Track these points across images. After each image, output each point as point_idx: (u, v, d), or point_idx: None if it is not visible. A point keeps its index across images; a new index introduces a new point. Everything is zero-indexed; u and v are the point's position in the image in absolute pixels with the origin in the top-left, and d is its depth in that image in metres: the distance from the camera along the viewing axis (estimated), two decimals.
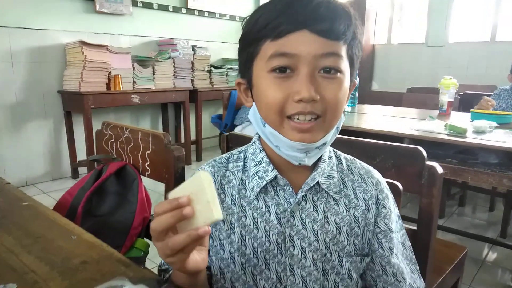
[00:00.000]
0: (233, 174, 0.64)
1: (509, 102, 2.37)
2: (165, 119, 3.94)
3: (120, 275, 0.53)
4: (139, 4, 3.55)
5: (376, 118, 2.17)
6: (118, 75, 3.12)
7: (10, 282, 0.52)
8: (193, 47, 3.83)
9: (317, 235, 0.60)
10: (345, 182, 0.64)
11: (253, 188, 0.61)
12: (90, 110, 2.95)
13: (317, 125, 0.55)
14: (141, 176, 1.04)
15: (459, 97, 2.68)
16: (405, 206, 2.68)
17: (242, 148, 0.67)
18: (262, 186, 0.60)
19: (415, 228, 0.91)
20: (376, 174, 0.66)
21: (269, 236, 0.60)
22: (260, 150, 0.63)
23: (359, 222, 0.62)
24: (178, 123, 4.04)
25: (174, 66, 3.59)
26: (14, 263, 0.57)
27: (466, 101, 2.75)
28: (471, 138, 1.51)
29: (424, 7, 4.60)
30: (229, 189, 0.63)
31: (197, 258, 0.49)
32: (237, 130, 2.48)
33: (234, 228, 0.61)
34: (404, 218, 0.70)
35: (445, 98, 2.17)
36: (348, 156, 0.68)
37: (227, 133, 1.18)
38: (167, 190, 0.96)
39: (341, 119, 0.59)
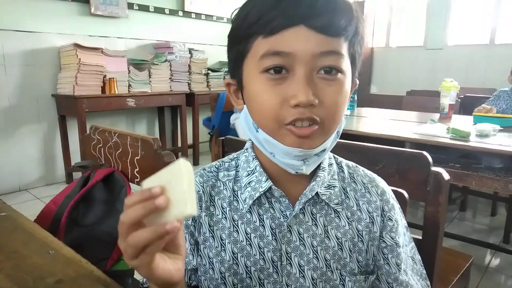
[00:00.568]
0: (224, 184, 0.58)
1: (509, 103, 2.34)
2: (162, 123, 3.89)
3: None
4: (135, 7, 3.50)
5: (376, 121, 2.12)
6: (113, 78, 3.07)
7: None
8: (190, 50, 3.79)
9: (317, 252, 0.54)
10: (347, 192, 0.58)
11: (245, 200, 0.55)
12: (85, 114, 2.89)
13: (316, 132, 0.49)
14: (130, 184, 0.99)
15: (459, 100, 2.64)
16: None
17: (234, 155, 0.61)
18: (255, 198, 0.54)
19: (420, 237, 0.86)
20: (381, 183, 0.61)
21: (264, 254, 0.54)
22: (253, 158, 0.57)
23: (362, 236, 0.56)
24: (175, 127, 3.98)
25: (170, 69, 3.54)
26: None
27: (467, 104, 2.72)
28: (474, 142, 1.46)
29: (423, 10, 4.57)
30: (219, 201, 0.57)
31: (170, 267, 0.41)
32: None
33: (225, 245, 0.55)
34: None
35: (446, 101, 2.13)
36: (350, 163, 0.62)
37: (223, 138, 1.13)
38: None
39: (341, 123, 0.53)
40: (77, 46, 2.88)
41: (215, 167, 0.60)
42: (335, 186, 0.57)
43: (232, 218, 0.56)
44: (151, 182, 0.39)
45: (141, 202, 0.37)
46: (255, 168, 0.56)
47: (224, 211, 0.56)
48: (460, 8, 4.36)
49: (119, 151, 1.00)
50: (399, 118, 2.19)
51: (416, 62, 4.61)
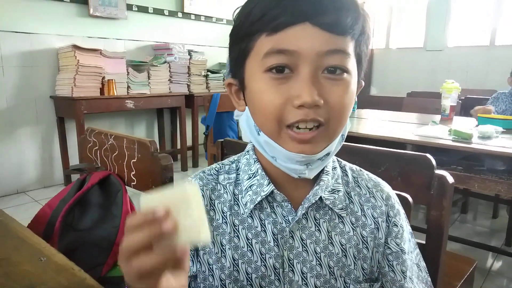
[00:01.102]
0: (224, 188, 0.56)
1: (508, 105, 2.33)
2: (161, 125, 3.87)
3: None
4: (134, 8, 3.49)
5: (376, 123, 2.10)
6: (112, 80, 3.06)
7: None
8: (189, 52, 3.77)
9: (320, 259, 0.52)
10: (351, 197, 0.56)
11: (246, 204, 0.53)
12: (83, 116, 2.87)
13: (319, 134, 0.47)
14: (126, 187, 0.97)
15: (460, 101, 2.63)
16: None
17: (235, 157, 0.59)
18: (256, 202, 0.52)
19: (423, 242, 0.83)
20: (386, 187, 0.59)
21: (265, 260, 0.52)
22: (255, 161, 0.55)
23: (367, 242, 0.54)
24: (174, 129, 3.96)
25: (169, 71, 3.53)
26: None
27: (467, 106, 2.70)
28: (477, 144, 1.44)
29: (423, 11, 4.56)
30: (219, 205, 0.55)
31: (174, 284, 0.39)
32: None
33: (225, 251, 0.53)
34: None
35: (448, 102, 2.11)
36: (354, 167, 0.60)
37: (222, 140, 1.11)
38: None
39: (346, 126, 0.51)
40: (76, 47, 2.86)
41: (215, 169, 0.58)
42: (339, 190, 0.55)
43: (233, 223, 0.54)
44: (152, 201, 0.37)
45: (145, 225, 0.35)
46: (257, 171, 0.54)
47: (224, 215, 0.54)
48: (460, 9, 4.35)
49: (115, 154, 0.98)
50: (400, 120, 2.17)
51: (416, 63, 4.59)
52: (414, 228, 0.61)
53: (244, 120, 0.55)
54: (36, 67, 2.96)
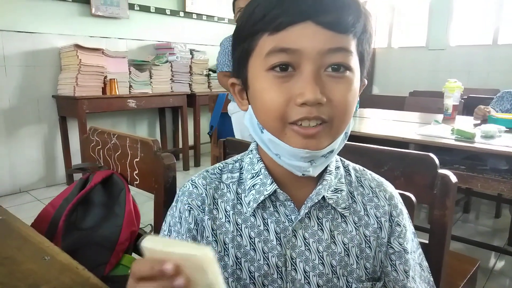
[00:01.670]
0: (227, 187, 0.56)
1: None
2: (163, 124, 3.87)
3: None
4: (136, 8, 3.49)
5: (378, 122, 2.10)
6: (114, 79, 3.06)
7: None
8: (191, 51, 3.77)
9: (322, 258, 0.52)
10: (354, 197, 0.56)
11: (249, 203, 0.53)
12: (85, 115, 2.88)
13: (323, 131, 0.47)
14: (129, 186, 0.97)
15: (463, 100, 2.62)
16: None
17: (238, 156, 0.60)
18: (259, 201, 0.52)
19: (426, 241, 0.83)
20: (390, 187, 0.59)
21: (268, 259, 0.52)
22: (258, 160, 0.55)
23: (370, 242, 0.54)
24: (176, 128, 3.97)
25: (171, 70, 3.53)
26: None
27: (470, 105, 2.69)
28: (479, 143, 1.44)
29: (425, 10, 4.54)
30: (222, 203, 0.55)
31: None
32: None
33: (228, 250, 0.53)
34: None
35: (450, 101, 2.11)
36: (357, 166, 0.60)
37: (224, 139, 1.11)
38: (157, 202, 0.88)
39: (349, 124, 0.51)
40: (78, 47, 2.86)
41: (218, 168, 0.58)
42: (342, 190, 0.55)
43: (236, 222, 0.54)
44: (158, 250, 0.34)
45: (153, 277, 0.34)
46: (260, 171, 0.54)
47: (227, 214, 0.54)
48: (463, 8, 4.33)
49: (118, 153, 0.98)
50: (402, 119, 2.17)
51: (418, 62, 4.58)
52: (417, 228, 0.61)
53: (247, 119, 0.55)
54: (38, 67, 2.97)
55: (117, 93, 3.09)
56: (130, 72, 3.23)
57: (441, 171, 0.81)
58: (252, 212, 0.53)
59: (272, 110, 0.47)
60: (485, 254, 2.07)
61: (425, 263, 0.60)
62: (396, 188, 0.64)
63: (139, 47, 3.59)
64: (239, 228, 0.53)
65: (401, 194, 0.68)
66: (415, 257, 0.58)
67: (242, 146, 1.02)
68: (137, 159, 0.93)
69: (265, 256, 0.52)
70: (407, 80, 4.55)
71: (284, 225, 0.53)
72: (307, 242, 0.52)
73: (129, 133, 0.99)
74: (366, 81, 0.54)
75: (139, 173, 0.93)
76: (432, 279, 0.60)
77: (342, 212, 0.54)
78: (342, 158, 0.60)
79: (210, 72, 3.90)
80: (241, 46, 0.50)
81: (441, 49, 4.40)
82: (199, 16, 4.03)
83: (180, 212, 0.55)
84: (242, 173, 0.56)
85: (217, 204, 0.55)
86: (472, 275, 1.11)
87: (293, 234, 0.52)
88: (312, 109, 0.45)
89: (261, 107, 0.49)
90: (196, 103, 3.69)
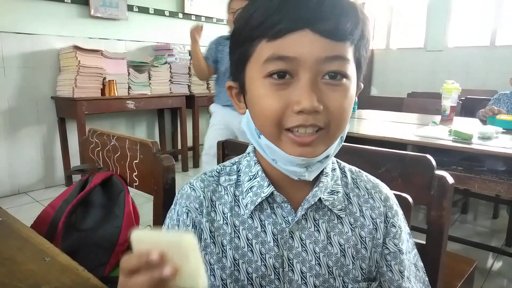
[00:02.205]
0: (225, 189, 0.56)
1: (509, 106, 2.33)
2: (162, 125, 3.87)
3: None
4: (135, 9, 3.50)
5: (377, 123, 2.11)
6: (113, 80, 3.06)
7: None
8: (190, 52, 3.77)
9: (319, 258, 0.53)
10: (350, 198, 0.57)
11: (246, 205, 0.54)
12: (84, 116, 2.88)
13: (319, 138, 0.48)
14: (129, 188, 0.97)
15: (460, 102, 2.63)
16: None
17: (236, 159, 0.60)
18: (256, 203, 0.53)
19: (424, 242, 0.84)
20: (385, 189, 0.60)
21: (265, 260, 0.53)
22: (255, 163, 0.56)
23: (366, 243, 0.55)
24: (175, 129, 3.97)
25: (170, 71, 3.53)
26: None
27: (468, 106, 2.70)
28: (477, 144, 1.45)
29: (423, 11, 4.56)
30: (220, 206, 0.56)
31: None
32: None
33: (226, 251, 0.54)
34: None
35: (448, 103, 2.12)
36: (353, 168, 0.61)
37: (223, 141, 1.12)
38: (156, 203, 0.89)
39: (345, 129, 0.52)
40: (77, 48, 2.87)
41: (216, 171, 0.59)
42: (338, 191, 0.56)
43: (233, 224, 0.54)
44: (144, 240, 0.37)
45: (144, 269, 0.36)
46: (257, 173, 0.55)
47: (225, 216, 0.55)
48: (461, 9, 4.35)
49: (117, 155, 0.99)
50: (400, 120, 2.18)
51: (416, 64, 4.60)
52: (414, 229, 0.62)
53: (245, 122, 0.55)
54: (37, 68, 2.97)
55: (116, 95, 3.09)
56: (129, 73, 3.23)
57: (438, 172, 0.82)
58: (250, 214, 0.54)
59: (269, 116, 0.47)
60: (483, 254, 2.07)
61: (420, 264, 0.61)
62: (394, 189, 0.65)
63: (138, 49, 3.60)
64: (236, 230, 0.54)
65: (398, 195, 0.69)
66: (410, 258, 0.59)
67: (242, 148, 1.03)
68: (137, 161, 0.93)
69: (263, 257, 0.53)
70: (405, 81, 4.56)
71: (281, 227, 0.53)
72: (303, 243, 0.53)
73: (128, 135, 0.99)
74: (362, 85, 0.55)
75: (138, 174, 0.94)
76: (427, 279, 0.60)
77: (338, 214, 0.55)
78: (338, 160, 0.60)
79: None
80: (239, 49, 0.51)
81: (439, 50, 4.42)
82: (198, 17, 4.03)
83: (178, 215, 0.56)
84: (240, 175, 0.57)
85: (215, 206, 0.56)
86: (469, 276, 1.12)
87: (290, 235, 0.53)
88: (309, 117, 0.46)
89: (258, 113, 0.50)
90: (195, 104, 3.69)
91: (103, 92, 3.04)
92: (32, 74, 2.95)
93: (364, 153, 0.91)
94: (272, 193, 0.53)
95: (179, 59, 3.61)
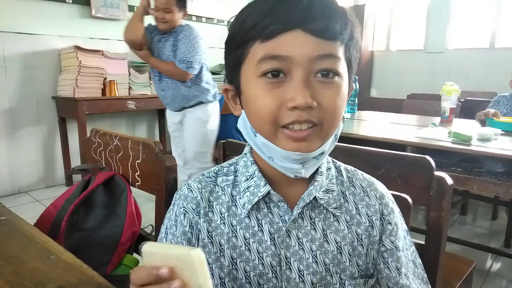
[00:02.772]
0: (222, 190, 0.58)
1: (509, 108, 2.34)
2: (162, 125, 3.88)
3: None
4: (136, 9, 3.50)
5: (376, 124, 2.12)
6: (113, 80, 3.07)
7: None
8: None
9: (316, 256, 0.54)
10: (346, 196, 0.58)
11: (244, 205, 0.55)
12: (85, 116, 2.89)
13: (314, 133, 0.49)
14: (131, 187, 0.98)
15: (460, 103, 2.64)
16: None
17: (233, 160, 0.62)
18: (253, 203, 0.54)
19: (423, 242, 0.85)
20: (380, 187, 0.61)
21: (263, 259, 0.54)
22: (252, 163, 0.57)
23: (362, 240, 0.56)
24: None
25: None
26: None
27: (467, 108, 2.71)
28: (476, 146, 1.45)
29: (423, 13, 4.58)
30: (217, 206, 0.57)
31: None
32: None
33: (224, 250, 0.55)
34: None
35: (447, 104, 2.13)
36: (349, 167, 0.62)
37: (224, 141, 1.13)
38: (159, 203, 0.90)
39: (339, 127, 0.53)
40: (78, 48, 2.88)
41: (213, 172, 0.60)
42: (333, 190, 0.57)
43: (231, 223, 0.55)
44: (154, 253, 0.39)
45: (153, 283, 0.38)
46: (254, 173, 0.56)
47: (222, 216, 0.56)
48: (460, 11, 4.36)
49: (120, 155, 0.99)
50: (400, 122, 2.18)
51: (416, 65, 4.61)
52: (413, 229, 0.63)
53: (241, 123, 0.57)
54: (38, 68, 2.98)
55: (117, 95, 3.10)
56: (129, 73, 3.24)
57: (437, 173, 0.82)
58: (247, 214, 0.55)
59: (265, 114, 0.49)
60: (482, 255, 2.08)
61: (419, 260, 0.61)
62: (393, 190, 0.66)
63: None
64: (234, 229, 0.55)
65: (398, 196, 0.70)
66: (408, 255, 0.60)
67: (242, 148, 1.04)
68: (139, 161, 0.94)
69: (260, 256, 0.54)
70: (405, 83, 4.57)
71: (278, 226, 0.54)
72: (300, 241, 0.54)
73: (130, 135, 1.00)
74: (354, 86, 0.56)
75: (140, 174, 0.95)
76: (425, 275, 0.61)
77: (334, 212, 0.56)
78: (334, 160, 0.62)
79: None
80: (233, 53, 0.52)
81: (439, 52, 4.44)
82: (199, 18, 4.04)
83: (176, 215, 0.57)
84: (237, 175, 0.58)
85: (213, 206, 0.57)
86: (468, 276, 1.13)
87: (287, 234, 0.54)
88: (303, 113, 0.47)
89: (254, 111, 0.51)
90: None
91: (103, 92, 3.06)
92: (33, 74, 2.96)
93: (365, 154, 0.92)
94: (268, 192, 0.54)
95: None
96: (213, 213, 0.56)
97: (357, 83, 2.14)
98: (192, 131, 2.20)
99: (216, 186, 0.58)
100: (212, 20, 4.17)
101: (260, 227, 0.54)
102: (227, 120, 2.54)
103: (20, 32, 2.85)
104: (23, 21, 2.86)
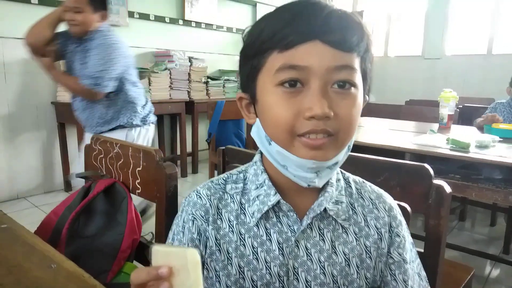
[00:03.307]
0: (231, 197, 0.58)
1: (506, 115, 2.35)
2: (161, 131, 3.88)
3: None
4: (136, 15, 3.52)
5: (374, 131, 2.12)
6: None
7: None
8: (190, 59, 3.80)
9: (324, 267, 0.54)
10: (354, 208, 0.58)
11: (253, 213, 0.55)
12: None
13: (329, 143, 0.50)
14: (131, 195, 0.98)
15: (458, 110, 2.66)
16: None
17: (242, 167, 0.62)
18: (263, 212, 0.54)
19: (422, 250, 0.85)
20: (389, 199, 0.61)
21: (270, 268, 0.54)
22: (262, 172, 0.57)
23: (370, 252, 0.56)
24: (174, 135, 3.98)
25: (170, 78, 3.55)
26: None
27: (465, 114, 2.73)
28: (474, 153, 1.46)
29: (421, 19, 4.62)
30: (226, 214, 0.57)
31: None
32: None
33: (232, 259, 0.55)
34: None
35: (445, 111, 2.14)
36: (357, 178, 0.62)
37: (223, 148, 1.13)
38: (159, 210, 0.90)
39: (352, 138, 0.54)
40: None
41: (222, 179, 0.60)
42: (342, 201, 0.57)
43: (239, 232, 0.55)
44: (159, 255, 0.41)
45: (150, 283, 0.40)
46: (264, 182, 0.56)
47: (231, 224, 0.56)
48: (458, 18, 4.40)
49: (120, 162, 1.00)
50: (398, 128, 2.19)
51: (414, 71, 4.64)
52: (412, 236, 0.63)
53: (254, 131, 0.57)
54: (37, 73, 2.96)
55: None
56: None
57: (436, 181, 0.83)
58: (256, 223, 0.55)
59: (282, 123, 0.49)
60: (480, 262, 2.08)
61: (423, 273, 0.62)
62: (392, 198, 0.66)
63: (138, 55, 3.62)
64: (242, 238, 0.55)
65: (396, 204, 0.70)
66: (414, 267, 0.60)
67: (242, 155, 1.05)
68: (139, 168, 0.94)
69: (268, 266, 0.54)
70: (403, 89, 4.60)
71: (286, 235, 0.54)
72: (309, 252, 0.54)
73: (130, 142, 1.01)
74: (367, 97, 0.57)
75: (141, 182, 0.95)
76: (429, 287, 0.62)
77: (343, 223, 0.56)
78: (342, 171, 0.62)
79: (209, 80, 3.94)
80: (249, 62, 0.53)
81: (437, 58, 4.47)
82: (198, 24, 4.06)
83: (184, 222, 0.57)
84: (246, 183, 0.58)
85: (221, 214, 0.57)
86: (467, 283, 1.13)
87: (296, 244, 0.54)
88: (320, 122, 0.48)
89: (270, 120, 0.51)
90: (194, 110, 3.71)
91: None
92: (33, 80, 2.96)
93: (364, 162, 0.93)
94: (278, 202, 0.54)
95: (179, 65, 3.63)
96: (222, 220, 0.56)
97: (370, 95, 2.15)
98: None
99: (225, 194, 0.58)
100: (211, 26, 4.19)
101: (268, 236, 0.55)
102: (226, 126, 2.55)
103: (20, 38, 2.85)
104: (23, 26, 2.85)
